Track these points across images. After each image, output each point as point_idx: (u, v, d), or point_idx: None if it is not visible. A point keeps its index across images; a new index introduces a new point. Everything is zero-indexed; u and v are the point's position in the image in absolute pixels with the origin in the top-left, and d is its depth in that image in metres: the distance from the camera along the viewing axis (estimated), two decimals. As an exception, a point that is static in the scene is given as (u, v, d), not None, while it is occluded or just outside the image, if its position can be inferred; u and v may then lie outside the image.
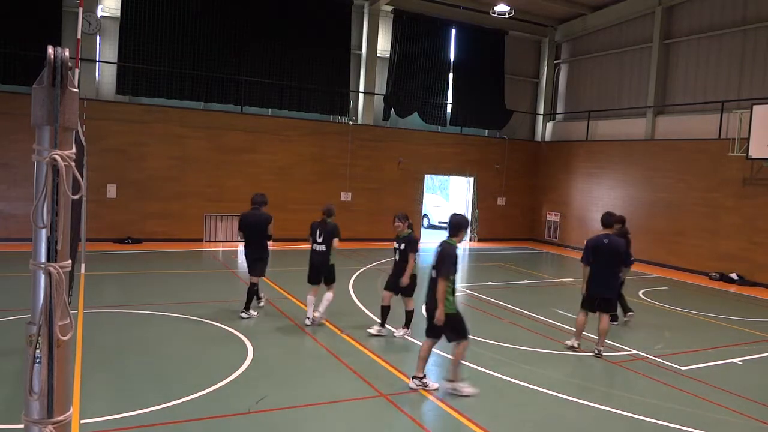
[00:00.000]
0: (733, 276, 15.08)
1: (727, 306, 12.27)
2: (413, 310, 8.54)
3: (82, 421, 5.16)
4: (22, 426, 1.90)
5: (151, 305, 9.45)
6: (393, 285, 8.51)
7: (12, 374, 6.28)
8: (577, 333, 8.38)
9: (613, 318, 9.26)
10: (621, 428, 5.89)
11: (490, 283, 13.33)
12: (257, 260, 9.19)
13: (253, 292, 9.14)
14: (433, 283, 6.41)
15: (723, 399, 6.74)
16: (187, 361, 7.00)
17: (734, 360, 8.32)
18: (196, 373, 6.59)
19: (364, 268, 13.98)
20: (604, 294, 8.04)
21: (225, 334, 8.16)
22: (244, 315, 9.02)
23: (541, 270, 15.54)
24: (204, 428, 5.33)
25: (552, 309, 10.79)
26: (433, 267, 6.43)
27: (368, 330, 8.64)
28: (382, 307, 8.61)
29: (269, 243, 9.32)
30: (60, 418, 1.88)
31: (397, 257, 8.44)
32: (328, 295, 8.88)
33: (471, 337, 8.52)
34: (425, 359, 6.54)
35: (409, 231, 8.49)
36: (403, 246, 8.34)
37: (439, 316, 6.19)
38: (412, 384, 6.51)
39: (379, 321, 8.72)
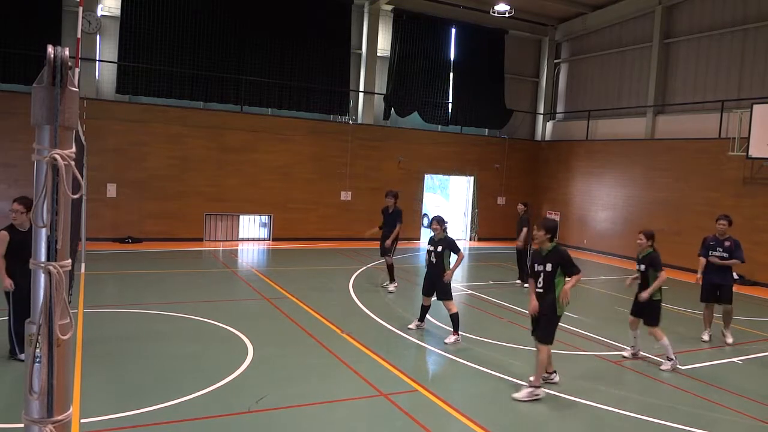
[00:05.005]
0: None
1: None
2: (457, 312, 8.33)
3: (82, 421, 5.17)
4: (22, 425, 1.90)
5: (151, 304, 9.45)
6: (429, 289, 8.54)
7: (12, 373, 6.28)
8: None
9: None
10: (621, 428, 5.88)
11: (491, 282, 13.33)
12: None
13: None
14: None
15: (723, 398, 6.74)
16: (187, 360, 7.00)
17: (734, 359, 8.33)
18: (196, 372, 6.59)
19: (364, 268, 13.98)
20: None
21: (225, 333, 8.16)
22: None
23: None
24: (204, 428, 5.33)
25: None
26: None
27: (408, 326, 8.83)
28: (423, 306, 8.75)
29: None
30: (60, 418, 1.88)
31: (434, 260, 8.37)
32: None
33: (471, 336, 8.59)
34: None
35: (445, 234, 8.45)
36: (440, 248, 8.28)
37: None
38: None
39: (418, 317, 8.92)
